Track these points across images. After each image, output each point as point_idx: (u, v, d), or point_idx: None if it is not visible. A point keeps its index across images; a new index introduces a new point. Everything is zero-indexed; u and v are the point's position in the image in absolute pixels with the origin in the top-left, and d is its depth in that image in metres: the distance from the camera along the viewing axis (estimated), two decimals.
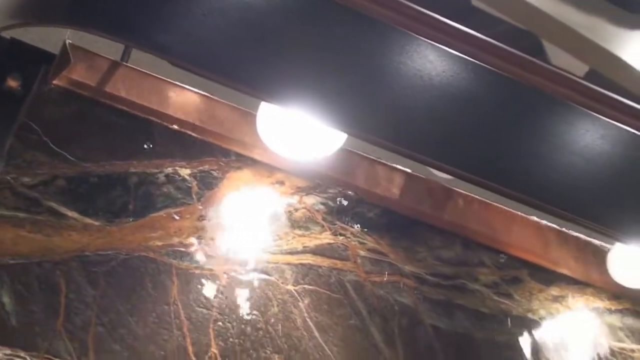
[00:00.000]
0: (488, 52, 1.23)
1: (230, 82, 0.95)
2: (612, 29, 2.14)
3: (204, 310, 1.13)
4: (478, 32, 1.15)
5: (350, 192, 1.41)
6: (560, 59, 2.34)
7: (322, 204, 1.37)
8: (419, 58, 0.99)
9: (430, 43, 0.99)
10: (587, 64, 2.09)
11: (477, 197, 1.48)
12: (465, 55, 1.06)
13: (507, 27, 1.67)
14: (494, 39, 1.24)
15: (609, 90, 1.75)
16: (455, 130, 1.18)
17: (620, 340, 1.50)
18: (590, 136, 1.44)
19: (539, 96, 1.35)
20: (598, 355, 1.45)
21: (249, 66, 0.91)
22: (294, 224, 1.31)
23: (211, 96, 1.34)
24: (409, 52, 0.99)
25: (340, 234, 1.34)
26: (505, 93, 1.30)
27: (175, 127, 1.31)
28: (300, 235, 1.30)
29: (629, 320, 1.55)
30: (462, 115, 1.16)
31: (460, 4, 1.38)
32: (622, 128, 1.54)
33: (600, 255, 1.55)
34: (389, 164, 1.44)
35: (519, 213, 1.50)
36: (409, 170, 1.45)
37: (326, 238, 1.32)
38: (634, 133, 1.60)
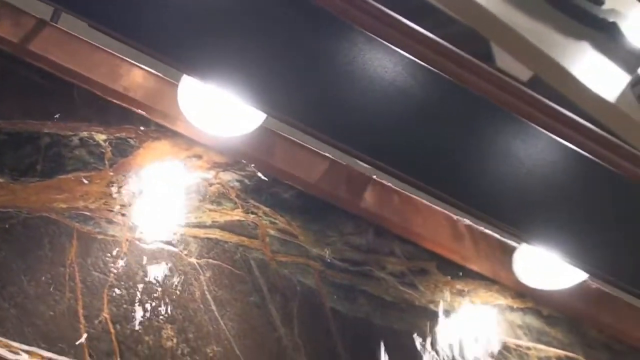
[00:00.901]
0: (428, 48, 1.25)
1: (153, 52, 0.96)
2: (559, 37, 2.19)
3: (101, 275, 1.15)
4: (430, 31, 1.16)
5: (267, 172, 1.43)
6: (506, 62, 2.38)
7: (238, 181, 1.39)
8: (352, 46, 1.00)
9: (367, 34, 1.00)
10: (531, 70, 2.13)
11: (394, 187, 1.52)
12: (401, 49, 1.08)
13: (460, 28, 1.70)
14: (445, 39, 1.26)
15: (549, 98, 1.80)
16: (384, 123, 1.21)
17: (517, 338, 1.55)
18: (525, 145, 1.49)
19: (477, 100, 1.39)
20: (494, 350, 1.50)
21: (174, 37, 0.92)
22: (207, 198, 1.33)
23: (138, 64, 1.34)
24: (343, 39, 1.00)
25: (252, 212, 1.36)
26: (441, 92, 1.33)
27: (98, 92, 1.31)
28: (211, 210, 1.32)
29: (529, 319, 1.60)
30: (391, 107, 1.19)
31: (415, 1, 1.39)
32: (554, 137, 1.59)
33: (508, 254, 1.59)
34: (309, 146, 1.46)
35: (434, 206, 1.54)
36: (329, 155, 1.48)
37: (237, 215, 1.34)
38: (567, 145, 1.64)
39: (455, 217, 1.56)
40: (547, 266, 1.54)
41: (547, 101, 1.83)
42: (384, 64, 1.19)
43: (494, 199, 1.37)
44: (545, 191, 1.48)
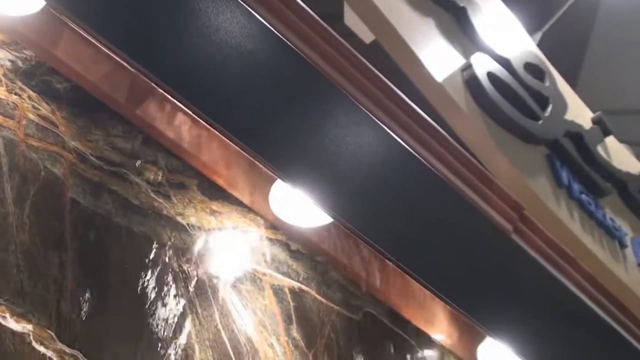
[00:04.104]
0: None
1: None
2: (406, 8, 2.29)
3: None
4: None
5: (46, 59, 1.48)
6: (353, 23, 2.46)
7: (11, 60, 1.44)
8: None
9: None
10: (372, 33, 2.23)
11: (178, 104, 1.60)
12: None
13: None
14: None
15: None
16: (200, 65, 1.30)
17: (257, 264, 1.72)
18: (349, 127, 1.62)
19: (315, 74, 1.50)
20: (229, 269, 1.66)
21: None
22: None
23: None
24: None
25: (16, 94, 1.42)
26: (282, 54, 1.43)
27: None
28: None
29: (276, 250, 1.77)
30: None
31: None
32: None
33: (270, 187, 1.74)
34: (97, 44, 1.51)
35: (213, 130, 1.64)
36: (116, 58, 1.54)
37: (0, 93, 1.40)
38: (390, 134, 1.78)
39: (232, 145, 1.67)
40: (301, 204, 1.69)
41: (378, 73, 1.95)
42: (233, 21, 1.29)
43: (293, 161, 1.50)
44: (364, 178, 1.63)
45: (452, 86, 2.27)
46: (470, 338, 2.17)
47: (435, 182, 1.94)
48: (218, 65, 1.36)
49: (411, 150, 1.84)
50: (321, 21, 1.59)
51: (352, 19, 2.43)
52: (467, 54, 2.42)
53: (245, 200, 1.74)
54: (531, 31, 2.67)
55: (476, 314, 1.94)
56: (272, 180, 1.73)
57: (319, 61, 1.62)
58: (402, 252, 1.75)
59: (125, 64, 1.56)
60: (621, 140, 3.04)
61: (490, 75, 2.34)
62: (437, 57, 2.29)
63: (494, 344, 2.09)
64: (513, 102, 2.41)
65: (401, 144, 1.74)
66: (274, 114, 1.50)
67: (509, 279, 2.15)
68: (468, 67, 2.34)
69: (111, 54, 1.54)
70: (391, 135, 1.75)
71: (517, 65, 2.47)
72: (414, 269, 1.77)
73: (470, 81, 2.31)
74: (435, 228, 1.91)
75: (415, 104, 1.99)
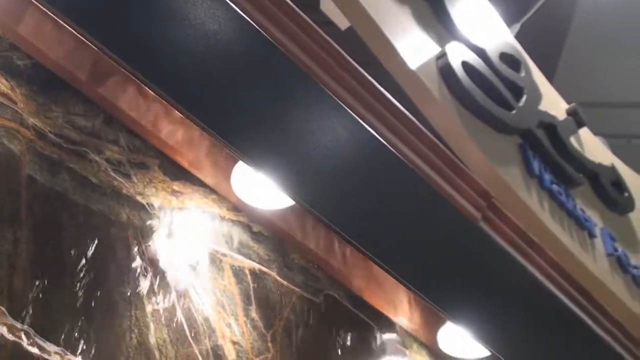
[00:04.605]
0: None
1: None
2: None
3: None
4: None
5: (7, 36, 1.48)
6: (329, 9, 2.44)
7: None
8: None
9: None
10: (348, 20, 2.22)
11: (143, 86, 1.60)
12: None
13: None
14: None
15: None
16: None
17: (219, 245, 1.73)
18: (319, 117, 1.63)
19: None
20: (189, 249, 1.67)
21: None
22: None
23: None
24: None
25: None
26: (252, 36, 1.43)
27: None
28: None
29: (237, 231, 1.79)
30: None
31: None
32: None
33: (232, 168, 1.75)
34: (59, 21, 1.51)
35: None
36: (80, 37, 1.53)
37: None
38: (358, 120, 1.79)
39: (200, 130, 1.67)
40: (263, 186, 1.71)
41: (345, 55, 1.96)
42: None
43: (255, 143, 1.51)
44: (328, 162, 1.64)
45: (426, 74, 2.27)
46: (432, 322, 2.20)
47: (402, 167, 1.95)
48: (181, 45, 1.36)
49: (376, 135, 1.84)
50: (289, 1, 1.59)
51: (327, 5, 2.42)
52: (442, 42, 2.43)
53: (208, 181, 1.76)
54: (510, 22, 2.67)
55: (439, 300, 1.96)
56: (236, 162, 1.74)
57: (284, 41, 1.62)
58: (364, 236, 1.76)
59: (88, 43, 1.56)
60: (598, 133, 3.05)
61: (465, 64, 2.34)
62: (412, 45, 2.29)
63: (455, 328, 2.12)
64: (487, 92, 2.42)
65: (366, 127, 1.75)
66: (236, 95, 1.51)
67: (474, 266, 2.18)
68: (443, 55, 2.34)
69: (74, 32, 1.54)
70: (356, 119, 1.75)
71: (493, 55, 2.47)
72: (375, 253, 1.78)
73: (445, 70, 2.32)
74: (400, 213, 1.92)
75: (390, 94, 1.99)
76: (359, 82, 1.81)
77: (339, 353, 1.92)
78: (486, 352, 2.12)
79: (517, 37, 2.74)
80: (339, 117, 1.70)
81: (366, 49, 2.19)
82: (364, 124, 1.80)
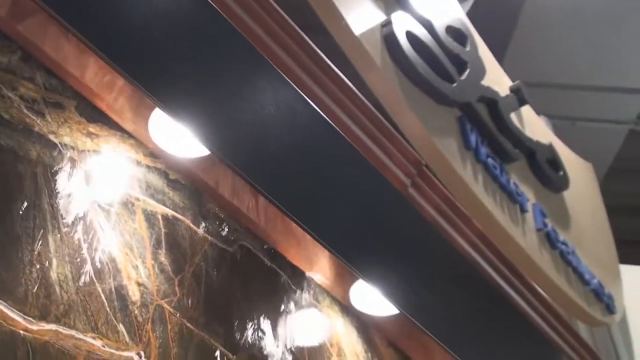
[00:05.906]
0: None
1: None
2: None
3: None
4: None
5: None
6: None
7: None
8: None
9: None
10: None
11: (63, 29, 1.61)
12: None
13: None
14: None
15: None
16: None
17: (132, 189, 1.78)
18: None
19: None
20: (105, 193, 1.71)
21: None
22: None
23: None
24: None
25: None
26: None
27: None
28: None
29: (153, 177, 1.83)
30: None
31: None
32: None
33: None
34: None
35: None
36: None
37: None
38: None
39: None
40: (181, 134, 1.74)
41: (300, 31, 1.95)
42: None
43: (171, 89, 1.53)
44: (248, 115, 1.67)
45: (369, 41, 2.30)
46: (346, 279, 2.28)
47: (329, 127, 1.98)
48: None
49: (303, 94, 1.87)
50: None
51: None
52: (389, 11, 2.44)
53: (127, 126, 1.79)
54: None
55: (354, 261, 2.02)
56: (151, 105, 1.76)
57: None
58: (283, 195, 1.81)
59: None
60: (543, 113, 3.10)
61: (409, 34, 2.37)
62: (358, 11, 2.30)
63: (367, 287, 2.19)
64: (429, 63, 2.45)
65: (293, 85, 1.78)
66: (158, 42, 1.53)
67: (394, 231, 2.24)
68: (388, 24, 2.37)
69: None
70: (282, 76, 1.77)
71: (439, 27, 2.49)
72: (292, 210, 1.84)
73: (388, 37, 2.35)
74: (324, 173, 1.97)
75: (332, 60, 2.01)
76: (286, 31, 1.82)
77: (249, 303, 1.99)
78: (395, 311, 2.20)
79: (470, 13, 2.75)
80: (262, 69, 1.73)
81: (312, 13, 2.21)
82: (291, 82, 1.82)
